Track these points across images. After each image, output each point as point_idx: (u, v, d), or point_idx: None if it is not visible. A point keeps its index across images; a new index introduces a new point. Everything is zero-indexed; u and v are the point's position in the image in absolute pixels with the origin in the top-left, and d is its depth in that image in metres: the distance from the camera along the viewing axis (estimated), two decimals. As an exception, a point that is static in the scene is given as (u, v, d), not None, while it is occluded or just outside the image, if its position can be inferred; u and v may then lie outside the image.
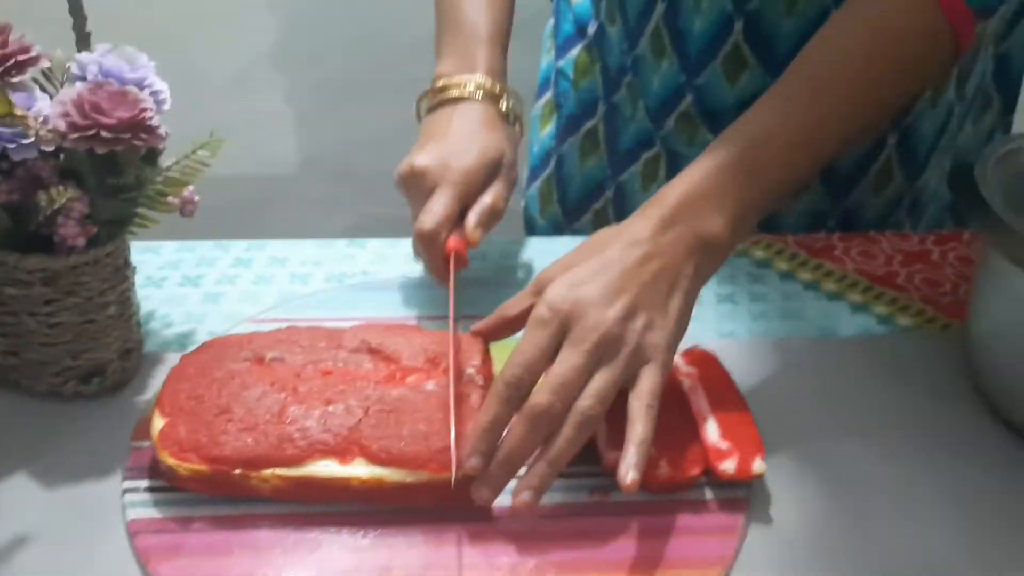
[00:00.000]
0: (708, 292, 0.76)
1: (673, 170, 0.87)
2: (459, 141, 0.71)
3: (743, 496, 0.58)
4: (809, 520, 0.57)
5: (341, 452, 0.55)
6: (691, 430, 0.60)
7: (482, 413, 0.55)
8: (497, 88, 0.75)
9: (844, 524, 0.57)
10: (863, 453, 0.61)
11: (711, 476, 0.58)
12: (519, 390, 0.55)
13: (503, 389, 0.55)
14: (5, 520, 0.54)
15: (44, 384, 0.62)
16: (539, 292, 0.58)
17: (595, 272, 0.58)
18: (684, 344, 0.66)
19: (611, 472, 0.57)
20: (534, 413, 0.54)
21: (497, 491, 0.54)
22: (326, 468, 0.54)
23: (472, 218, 0.69)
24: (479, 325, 0.63)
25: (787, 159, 0.63)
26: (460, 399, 0.58)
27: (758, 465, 0.57)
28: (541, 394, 0.54)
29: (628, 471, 0.53)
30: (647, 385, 0.55)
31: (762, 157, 0.62)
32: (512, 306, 0.61)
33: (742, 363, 0.67)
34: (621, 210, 0.92)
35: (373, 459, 0.55)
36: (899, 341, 0.71)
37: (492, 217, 0.70)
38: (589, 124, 0.92)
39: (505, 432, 0.55)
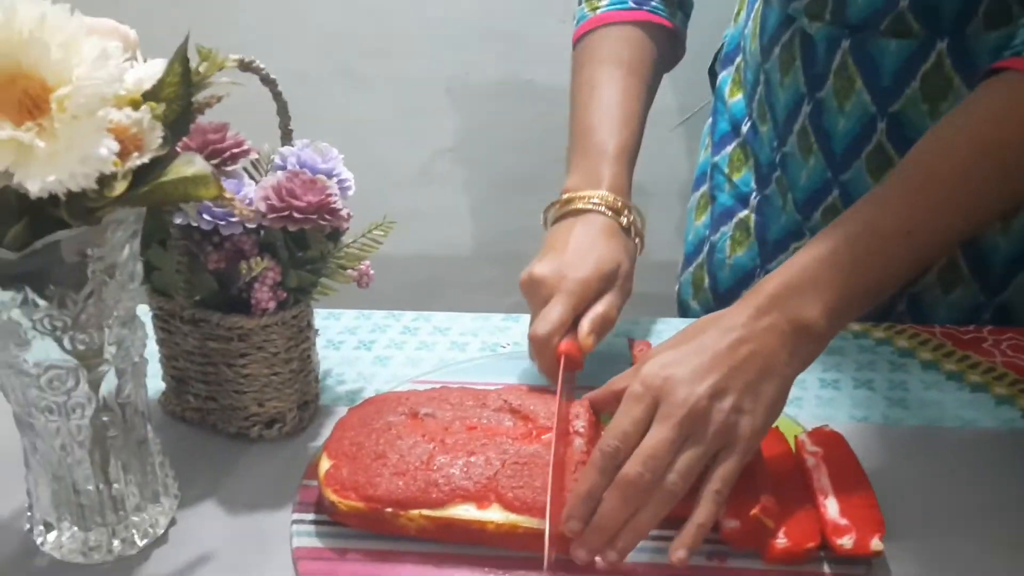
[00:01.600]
0: (845, 376, 0.77)
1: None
2: (577, 252, 0.74)
3: (861, 573, 0.59)
4: (927, 602, 0.57)
5: (479, 498, 0.61)
6: (811, 506, 0.62)
7: (580, 481, 0.60)
8: (619, 203, 0.78)
9: (963, 609, 0.57)
10: (989, 545, 0.61)
11: (830, 552, 0.60)
12: (614, 460, 0.59)
13: (599, 459, 0.59)
14: (190, 541, 0.63)
15: (235, 427, 0.72)
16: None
17: (689, 353, 0.61)
18: (813, 425, 0.69)
19: (728, 540, 0.60)
20: (625, 483, 0.58)
21: (593, 553, 0.59)
22: (465, 512, 0.61)
23: (585, 325, 0.72)
24: (590, 395, 0.67)
25: (885, 252, 0.64)
26: (574, 463, 0.63)
27: (876, 543, 0.59)
28: (632, 465, 0.58)
29: (678, 548, 0.57)
30: (722, 471, 0.59)
31: (859, 249, 0.64)
32: (618, 381, 0.66)
33: (873, 447, 0.68)
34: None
35: (508, 506, 0.60)
36: (1043, 435, 0.70)
37: (604, 325, 0.73)
38: (741, 215, 0.96)
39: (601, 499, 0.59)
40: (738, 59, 0.98)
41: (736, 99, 0.97)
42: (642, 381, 0.61)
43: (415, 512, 0.61)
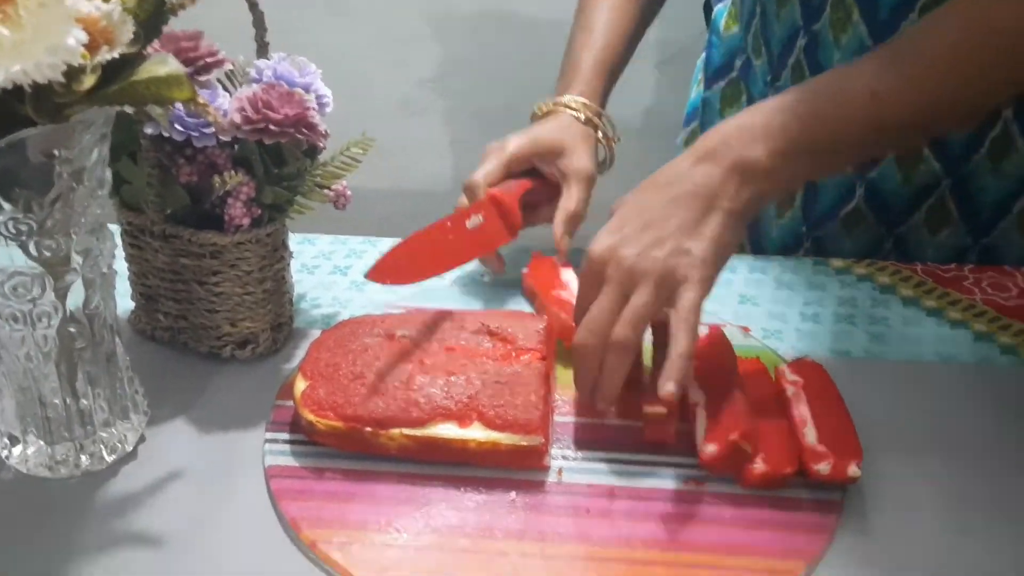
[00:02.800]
0: (826, 311, 0.77)
1: (809, 194, 0.89)
2: (531, 129, 0.81)
3: (837, 499, 0.59)
4: (901, 528, 0.58)
5: (461, 417, 0.60)
6: (790, 432, 0.62)
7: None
8: (580, 104, 0.82)
9: (937, 535, 0.57)
10: (965, 472, 0.61)
11: (808, 479, 0.60)
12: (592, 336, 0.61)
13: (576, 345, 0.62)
14: (159, 458, 0.62)
15: (206, 347, 0.70)
16: None
17: (628, 218, 0.63)
18: (793, 357, 0.69)
19: (707, 466, 0.60)
20: (576, 354, 0.61)
21: (588, 405, 0.63)
22: (447, 430, 0.60)
23: (558, 227, 0.77)
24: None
25: (846, 107, 0.64)
26: None
27: (853, 470, 0.59)
28: (578, 335, 0.61)
29: (666, 382, 0.58)
30: (684, 301, 0.60)
31: (820, 101, 0.64)
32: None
33: (853, 380, 0.68)
34: (756, 232, 0.94)
35: (489, 424, 0.60)
36: (1021, 371, 0.70)
37: (573, 220, 0.77)
38: None
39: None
40: (737, -11, 0.96)
41: (732, 32, 0.96)
42: (588, 261, 0.63)
43: (396, 431, 0.60)
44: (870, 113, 0.64)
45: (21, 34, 0.44)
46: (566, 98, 0.83)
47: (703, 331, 0.68)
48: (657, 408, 0.61)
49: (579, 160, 0.79)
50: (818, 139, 0.64)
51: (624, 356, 0.60)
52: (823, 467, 0.59)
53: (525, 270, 0.80)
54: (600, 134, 0.82)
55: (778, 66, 0.87)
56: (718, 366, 0.66)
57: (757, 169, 0.62)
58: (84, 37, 0.45)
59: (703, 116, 0.99)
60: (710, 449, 0.60)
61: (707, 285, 0.61)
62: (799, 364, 0.67)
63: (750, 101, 0.92)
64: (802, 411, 0.63)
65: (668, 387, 0.57)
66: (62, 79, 0.45)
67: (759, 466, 0.59)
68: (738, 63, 0.94)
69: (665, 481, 0.60)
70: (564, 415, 0.65)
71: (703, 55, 1.02)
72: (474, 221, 0.75)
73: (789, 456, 0.60)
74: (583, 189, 0.78)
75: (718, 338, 0.69)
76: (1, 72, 0.43)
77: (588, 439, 0.63)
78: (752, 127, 0.63)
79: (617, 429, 0.64)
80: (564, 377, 0.67)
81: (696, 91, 1.02)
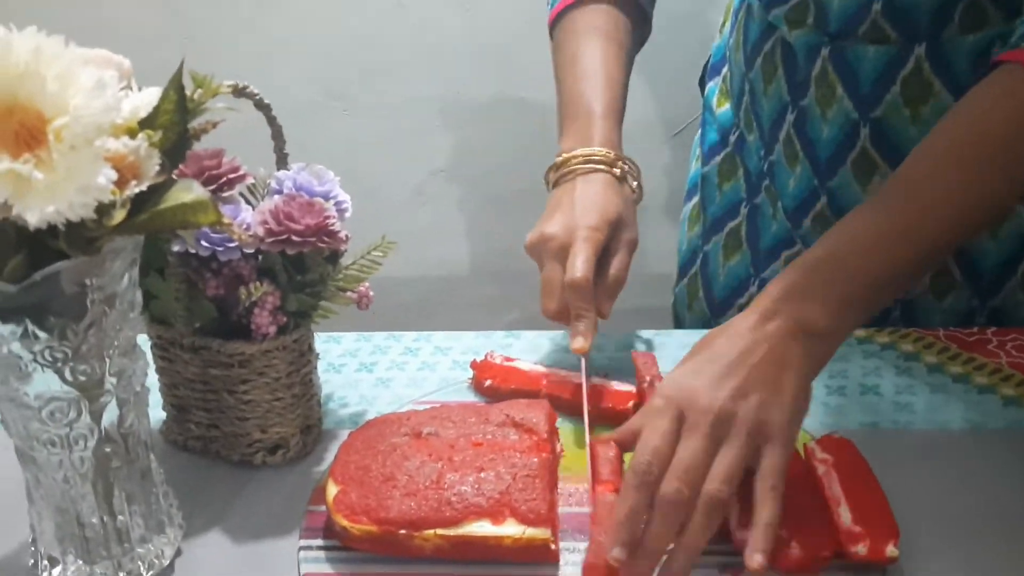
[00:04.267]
0: (851, 383, 0.77)
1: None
2: (582, 206, 0.77)
3: (877, 581, 0.58)
4: (945, 607, 0.57)
5: (494, 514, 0.61)
6: (824, 514, 0.62)
7: (619, 505, 0.58)
8: (612, 156, 0.80)
9: (982, 613, 0.56)
10: (1004, 547, 0.61)
11: (845, 560, 0.59)
12: (648, 476, 0.57)
13: (633, 477, 0.58)
14: (196, 571, 0.63)
15: (237, 454, 0.71)
16: None
17: (703, 363, 0.61)
18: (822, 432, 0.68)
19: (741, 552, 0.59)
20: (666, 503, 0.56)
21: None
22: (481, 528, 0.60)
23: (601, 293, 0.74)
24: (613, 434, 0.65)
25: (886, 250, 0.64)
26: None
27: (891, 550, 0.58)
28: (669, 483, 0.57)
29: (754, 553, 0.56)
30: (770, 465, 0.58)
31: (860, 248, 0.64)
32: (636, 419, 0.63)
33: (882, 453, 0.67)
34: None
35: (523, 519, 0.60)
36: (1052, 435, 0.70)
37: (616, 288, 0.75)
38: (732, 224, 0.96)
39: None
40: (724, 69, 0.98)
41: (724, 109, 0.98)
42: (661, 394, 0.60)
43: (430, 532, 0.60)
44: (910, 249, 0.65)
45: (54, 176, 0.46)
46: (593, 151, 0.80)
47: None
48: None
49: (632, 230, 0.78)
50: (869, 287, 0.64)
51: (715, 516, 0.56)
52: (860, 549, 0.58)
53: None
54: (634, 184, 0.81)
55: (770, 140, 0.88)
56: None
57: (819, 332, 0.62)
58: (114, 175, 0.47)
59: (703, 191, 1.00)
60: (743, 535, 0.59)
61: (790, 449, 0.59)
62: (828, 441, 0.67)
63: (746, 175, 0.94)
64: (835, 490, 0.63)
65: (757, 559, 0.56)
66: (94, 216, 0.47)
67: (795, 550, 0.59)
68: (732, 138, 0.96)
69: (703, 573, 0.59)
70: (573, 505, 0.65)
71: (699, 132, 1.04)
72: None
73: (825, 538, 0.60)
74: (627, 254, 0.77)
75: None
76: (37, 213, 0.45)
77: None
78: (804, 286, 0.63)
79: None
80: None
81: (695, 167, 1.04)
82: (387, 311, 0.83)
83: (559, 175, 0.81)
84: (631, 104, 0.87)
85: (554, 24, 0.91)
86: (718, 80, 0.99)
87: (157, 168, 0.50)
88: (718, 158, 0.98)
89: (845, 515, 0.61)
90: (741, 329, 0.62)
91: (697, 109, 1.07)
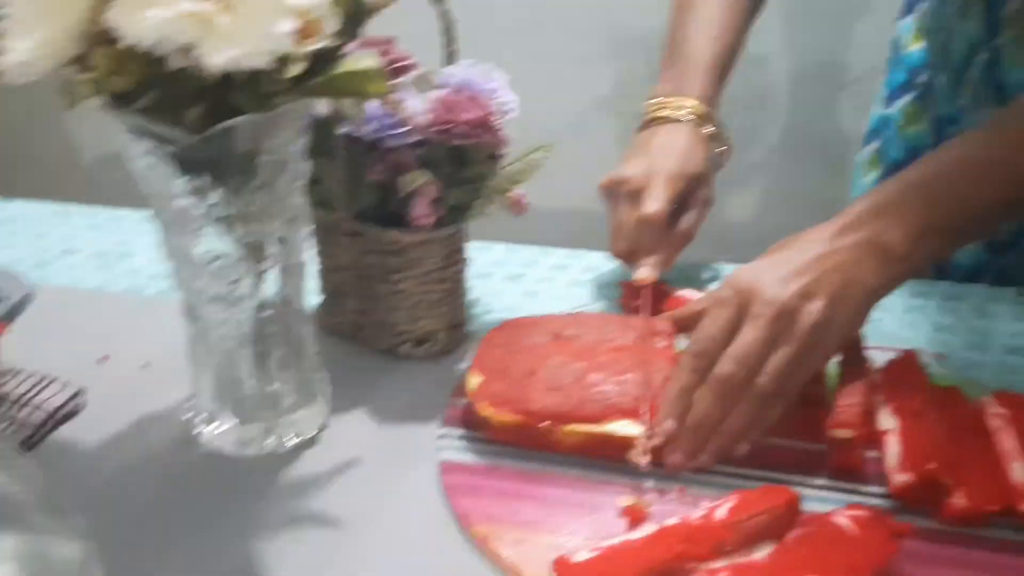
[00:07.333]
0: (1032, 339, 0.71)
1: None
2: (664, 154, 0.75)
3: (1049, 540, 0.54)
4: None
5: (637, 415, 0.59)
6: (994, 467, 0.57)
7: (672, 382, 0.59)
8: (704, 111, 0.78)
9: None
10: None
11: (1014, 519, 0.55)
12: (705, 360, 0.58)
13: (690, 359, 0.59)
14: (338, 446, 0.64)
15: (385, 343, 0.72)
16: None
17: (774, 263, 0.60)
18: (997, 387, 0.64)
19: (899, 497, 0.56)
20: (719, 381, 0.57)
21: (689, 456, 0.58)
22: (624, 427, 0.59)
23: (672, 248, 0.74)
24: (673, 313, 0.67)
25: (971, 182, 0.61)
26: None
27: (1068, 509, 0.53)
28: (726, 363, 0.57)
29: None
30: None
31: (946, 177, 0.62)
32: (700, 301, 0.65)
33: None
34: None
35: None
36: None
37: (684, 241, 0.75)
38: None
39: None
40: (925, 5, 0.91)
41: (916, 47, 0.91)
42: (728, 284, 0.60)
43: (572, 427, 0.59)
44: (1005, 182, 0.62)
45: (236, 21, 0.46)
46: (686, 102, 0.78)
47: (889, 356, 0.65)
48: (844, 432, 0.58)
49: (710, 190, 0.77)
50: (954, 217, 0.62)
51: (760, 408, 0.57)
52: (1033, 505, 0.54)
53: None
54: (724, 149, 0.79)
55: (962, 82, 0.82)
56: (910, 392, 0.62)
57: (895, 254, 0.61)
58: (295, 25, 0.47)
59: (883, 135, 0.94)
60: (903, 479, 0.56)
61: (830, 357, 0.60)
62: (1004, 396, 0.62)
63: (934, 120, 0.88)
64: (1010, 445, 0.58)
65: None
66: (274, 65, 0.48)
67: (960, 501, 0.55)
68: (920, 80, 0.89)
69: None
70: None
71: (885, 77, 0.97)
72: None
73: (994, 492, 0.55)
74: (700, 213, 0.77)
75: (911, 363, 0.65)
76: (220, 56, 0.46)
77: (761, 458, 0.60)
78: (888, 206, 0.62)
79: (798, 452, 0.61)
80: None
81: (878, 109, 0.97)
82: (538, 234, 0.82)
83: (648, 118, 0.80)
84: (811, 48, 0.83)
85: None
86: (912, 18, 0.93)
87: (336, 27, 0.50)
88: (904, 99, 0.92)
89: (1019, 471, 0.56)
90: (821, 236, 0.61)
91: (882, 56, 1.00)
